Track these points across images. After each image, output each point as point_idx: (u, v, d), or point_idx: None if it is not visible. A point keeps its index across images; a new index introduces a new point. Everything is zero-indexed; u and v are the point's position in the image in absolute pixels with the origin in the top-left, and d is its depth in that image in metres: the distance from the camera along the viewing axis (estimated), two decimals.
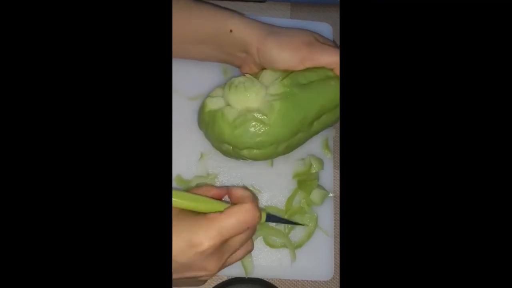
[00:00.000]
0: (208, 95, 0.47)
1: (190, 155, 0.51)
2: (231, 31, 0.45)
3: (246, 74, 0.47)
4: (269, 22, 0.56)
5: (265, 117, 0.43)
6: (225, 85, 0.46)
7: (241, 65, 0.49)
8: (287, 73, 0.45)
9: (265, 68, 0.47)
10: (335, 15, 0.59)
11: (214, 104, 0.45)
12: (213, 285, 0.49)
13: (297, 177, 0.51)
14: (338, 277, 0.50)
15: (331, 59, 0.45)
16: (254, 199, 0.40)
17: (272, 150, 0.45)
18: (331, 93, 0.45)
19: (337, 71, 0.46)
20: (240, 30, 0.45)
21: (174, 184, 0.50)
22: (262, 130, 0.43)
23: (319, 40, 0.47)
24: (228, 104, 0.45)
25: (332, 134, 0.54)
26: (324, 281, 0.51)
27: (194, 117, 0.52)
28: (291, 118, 0.43)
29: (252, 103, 0.44)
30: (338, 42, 0.56)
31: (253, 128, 0.43)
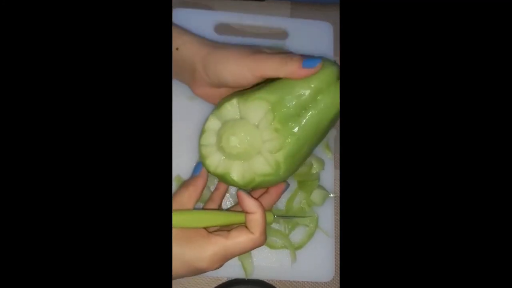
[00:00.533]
0: (201, 144, 0.43)
1: (189, 155, 0.51)
2: (177, 49, 0.44)
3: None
4: (269, 21, 0.57)
5: (272, 173, 0.41)
6: (216, 137, 0.43)
7: (191, 85, 0.47)
8: (271, 107, 0.40)
9: (216, 87, 0.44)
10: (335, 14, 0.58)
11: (214, 162, 0.42)
12: (213, 286, 0.49)
13: (298, 177, 0.51)
14: (339, 278, 0.50)
15: (275, 65, 0.41)
16: (263, 221, 0.39)
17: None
18: (330, 112, 0.42)
19: (295, 78, 0.41)
20: (187, 49, 0.44)
21: (173, 183, 0.50)
22: (273, 181, 0.42)
23: (266, 51, 0.44)
24: (227, 156, 0.42)
25: (333, 134, 0.54)
26: (324, 282, 0.51)
27: (193, 117, 0.52)
28: (298, 158, 0.42)
29: (251, 151, 0.41)
30: (338, 42, 0.56)
31: (265, 183, 0.42)
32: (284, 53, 0.44)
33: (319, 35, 0.57)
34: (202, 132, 0.44)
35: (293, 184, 0.51)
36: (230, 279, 0.49)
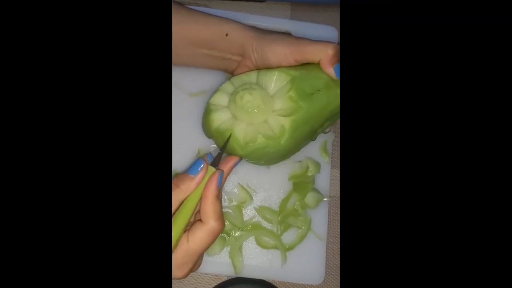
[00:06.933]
0: (211, 103, 0.45)
1: (187, 151, 0.51)
2: (227, 34, 0.47)
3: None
4: (269, 22, 0.56)
5: (275, 137, 0.42)
6: (230, 95, 0.45)
7: (235, 69, 0.49)
8: (291, 79, 0.43)
9: (260, 69, 0.46)
10: (336, 15, 0.58)
11: (221, 118, 0.44)
12: (213, 285, 0.49)
13: (293, 179, 0.52)
14: (329, 282, 0.51)
15: (315, 49, 0.44)
16: (213, 208, 0.39)
17: (278, 160, 0.47)
18: (336, 101, 0.45)
19: (324, 67, 0.45)
20: (236, 33, 0.47)
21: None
22: (273, 149, 0.43)
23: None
24: (234, 116, 0.44)
25: (331, 138, 0.54)
26: (314, 285, 0.51)
27: (192, 113, 0.52)
28: (300, 133, 0.44)
29: (260, 115, 0.43)
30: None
31: (265, 148, 0.43)
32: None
33: (322, 38, 0.56)
34: (214, 92, 0.45)
35: (288, 185, 0.51)
36: (230, 277, 0.49)
